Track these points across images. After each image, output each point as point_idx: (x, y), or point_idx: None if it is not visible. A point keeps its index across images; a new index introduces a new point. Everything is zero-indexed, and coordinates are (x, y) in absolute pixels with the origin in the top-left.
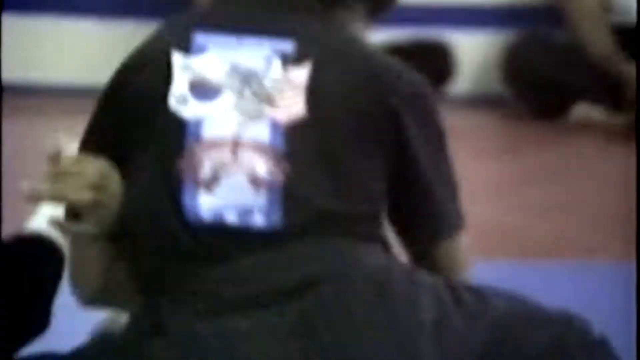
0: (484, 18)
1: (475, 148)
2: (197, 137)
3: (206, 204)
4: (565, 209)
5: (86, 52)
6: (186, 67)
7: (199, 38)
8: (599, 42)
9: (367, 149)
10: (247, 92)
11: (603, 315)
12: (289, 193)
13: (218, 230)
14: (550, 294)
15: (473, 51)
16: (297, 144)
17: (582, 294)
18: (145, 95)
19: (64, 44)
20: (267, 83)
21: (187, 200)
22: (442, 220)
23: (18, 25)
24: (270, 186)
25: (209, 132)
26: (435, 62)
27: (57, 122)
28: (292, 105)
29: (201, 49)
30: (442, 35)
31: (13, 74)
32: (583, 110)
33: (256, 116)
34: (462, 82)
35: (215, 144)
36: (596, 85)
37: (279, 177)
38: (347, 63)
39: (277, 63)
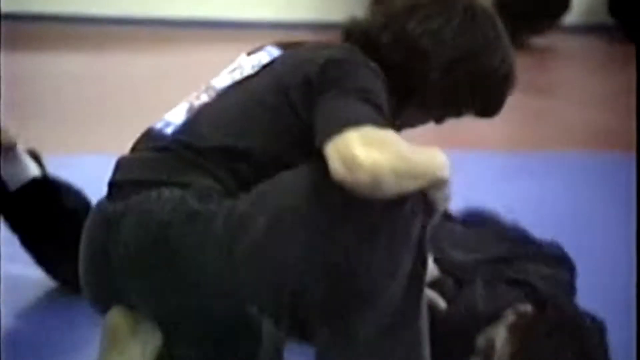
0: None
1: (592, 69)
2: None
3: (162, 120)
4: None
5: None
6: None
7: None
8: None
9: (277, 103)
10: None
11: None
12: (192, 121)
13: (149, 134)
14: None
15: None
16: (227, 94)
17: None
18: None
19: None
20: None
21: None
22: (322, 128)
23: None
24: (191, 112)
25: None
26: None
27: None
28: (243, 74)
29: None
30: None
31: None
32: None
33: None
34: (575, 14)
35: (196, 93)
36: None
37: (198, 109)
38: (294, 54)
39: (259, 58)
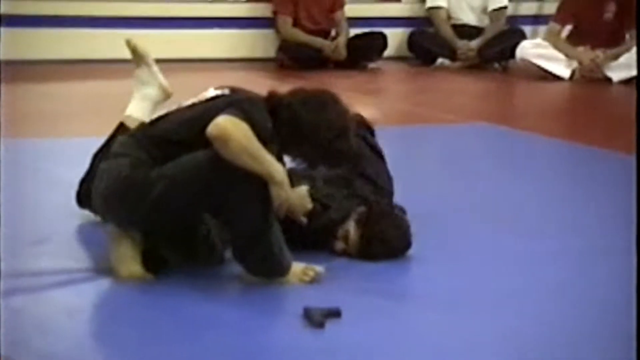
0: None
1: (399, 79)
2: None
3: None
4: (435, 97)
5: None
6: None
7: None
8: (446, 34)
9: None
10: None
11: None
12: (158, 119)
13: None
14: None
15: (395, 38)
16: (185, 107)
17: None
18: None
19: None
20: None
21: None
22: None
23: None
24: (163, 114)
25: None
26: (377, 43)
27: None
28: (200, 99)
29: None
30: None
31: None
32: (441, 61)
33: None
34: (390, 50)
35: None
36: (446, 51)
37: (167, 113)
38: (223, 98)
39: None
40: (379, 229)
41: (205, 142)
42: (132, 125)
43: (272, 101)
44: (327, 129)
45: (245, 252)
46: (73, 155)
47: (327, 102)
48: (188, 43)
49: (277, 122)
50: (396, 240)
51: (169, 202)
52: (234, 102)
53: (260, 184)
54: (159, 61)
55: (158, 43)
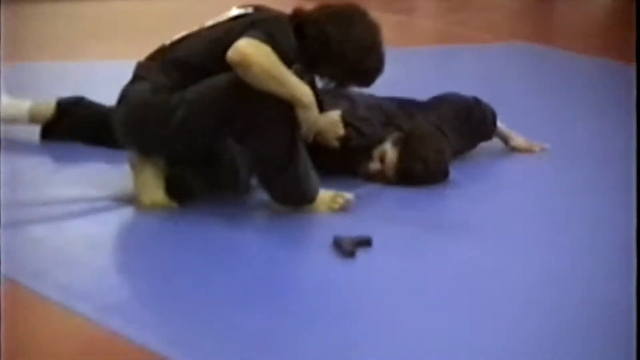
0: None
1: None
2: None
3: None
4: (470, 15)
5: None
6: None
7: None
8: None
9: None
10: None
11: None
12: (176, 41)
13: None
14: None
15: None
16: (204, 29)
17: None
18: None
19: None
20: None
21: None
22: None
23: None
24: (182, 37)
25: None
26: None
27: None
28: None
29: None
30: None
31: None
32: None
33: None
34: None
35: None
36: None
37: (185, 35)
38: (245, 18)
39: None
40: (421, 149)
41: (228, 66)
42: (44, 113)
43: (298, 18)
44: (355, 44)
45: (270, 179)
46: (92, 79)
47: (356, 16)
48: None
49: (303, 40)
50: (436, 163)
51: (191, 128)
52: (256, 22)
53: (285, 107)
54: None
55: None
